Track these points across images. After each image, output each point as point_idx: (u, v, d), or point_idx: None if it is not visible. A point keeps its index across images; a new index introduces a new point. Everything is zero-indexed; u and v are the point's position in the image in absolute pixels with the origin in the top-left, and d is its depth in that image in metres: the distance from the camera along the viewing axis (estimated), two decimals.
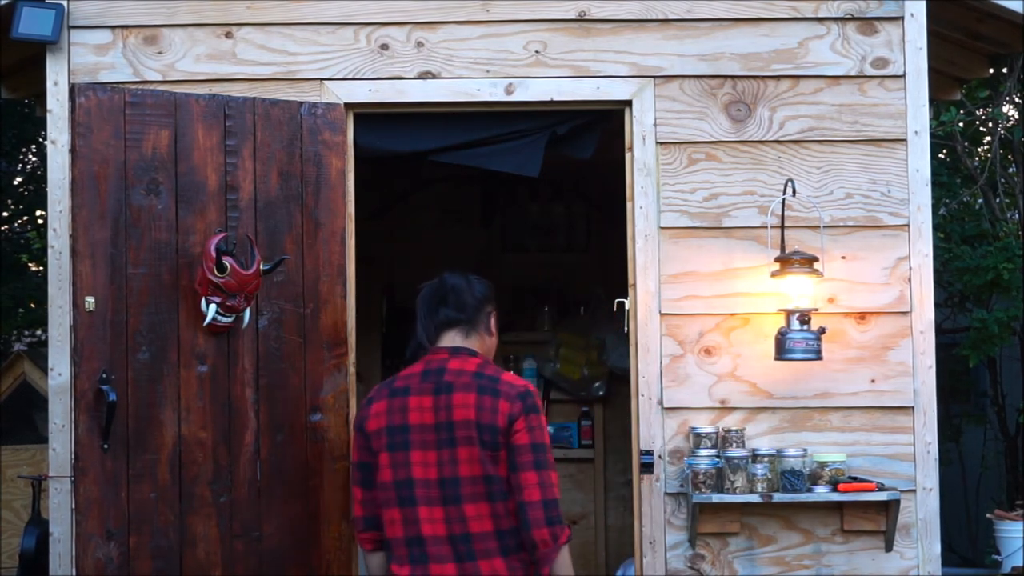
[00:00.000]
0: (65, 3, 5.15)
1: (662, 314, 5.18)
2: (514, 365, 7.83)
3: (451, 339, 4.22)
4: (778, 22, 5.26)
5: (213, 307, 4.72)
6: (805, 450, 5.06)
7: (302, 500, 4.92)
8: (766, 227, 5.15)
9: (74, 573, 4.74)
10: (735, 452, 5.00)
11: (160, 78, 5.18)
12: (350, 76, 5.22)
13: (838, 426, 5.16)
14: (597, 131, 5.45)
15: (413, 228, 8.00)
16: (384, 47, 5.24)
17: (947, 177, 9.76)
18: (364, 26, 5.24)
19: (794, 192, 5.13)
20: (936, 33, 5.55)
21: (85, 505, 4.62)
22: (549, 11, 5.24)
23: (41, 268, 11.76)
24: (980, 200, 9.86)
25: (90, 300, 4.66)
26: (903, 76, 5.24)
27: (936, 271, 6.80)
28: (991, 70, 8.06)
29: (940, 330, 6.92)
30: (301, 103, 5.05)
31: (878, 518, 5.09)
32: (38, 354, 8.50)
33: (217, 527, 4.78)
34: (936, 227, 8.39)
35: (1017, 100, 10.55)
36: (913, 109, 5.23)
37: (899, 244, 5.20)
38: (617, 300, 5.26)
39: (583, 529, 7.79)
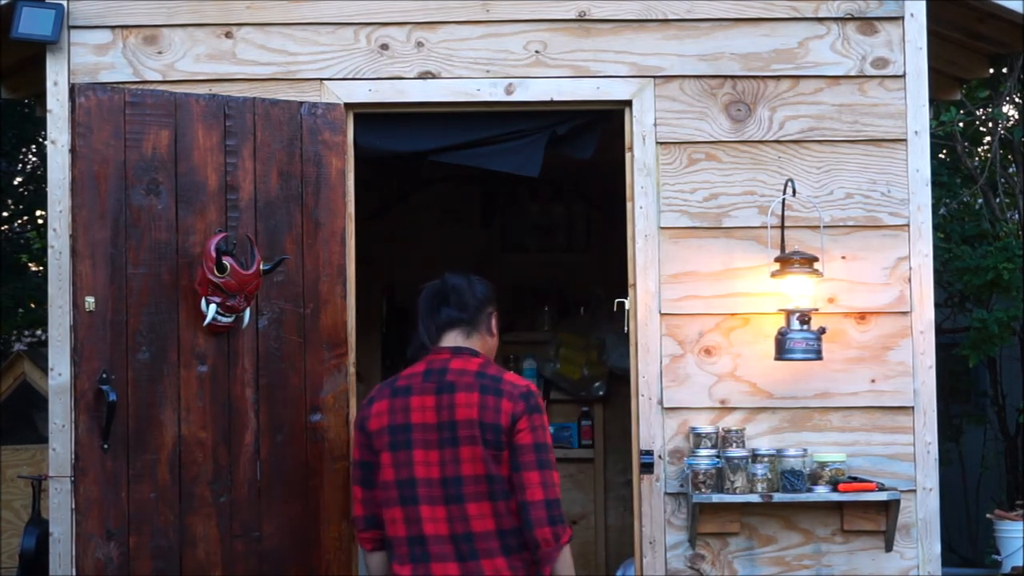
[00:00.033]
0: (65, 3, 5.15)
1: (662, 314, 5.18)
2: (514, 365, 7.83)
3: (453, 339, 4.23)
4: (778, 22, 5.26)
5: (213, 307, 4.72)
6: (805, 450, 5.06)
7: (302, 500, 4.92)
8: (766, 227, 5.15)
9: (74, 573, 4.74)
10: (735, 452, 5.00)
11: (160, 78, 5.18)
12: (350, 76, 5.22)
13: (838, 426, 5.16)
14: (597, 131, 5.45)
15: (413, 228, 8.00)
16: (384, 47, 5.24)
17: (947, 177, 9.76)
18: (364, 26, 5.24)
19: (794, 192, 5.13)
20: (936, 33, 5.55)
21: (85, 505, 4.62)
22: (549, 11, 5.24)
23: (41, 268, 11.76)
24: (980, 200, 9.86)
25: (90, 300, 4.66)
26: (903, 76, 5.24)
27: (936, 271, 6.80)
28: (991, 70, 8.06)
29: (940, 330, 6.92)
30: (301, 103, 5.05)
31: (878, 518, 5.09)
32: (38, 354, 8.50)
33: (217, 527, 4.78)
34: (936, 227, 8.39)
35: (1017, 100, 10.55)
36: (913, 109, 5.23)
37: (899, 244, 5.20)
38: (617, 300, 5.26)
39: (583, 529, 7.79)
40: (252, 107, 4.95)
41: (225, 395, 4.83)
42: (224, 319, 4.76)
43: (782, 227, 5.14)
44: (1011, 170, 9.68)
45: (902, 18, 5.24)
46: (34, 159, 12.50)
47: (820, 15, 5.25)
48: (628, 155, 5.26)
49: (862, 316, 5.19)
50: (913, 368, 5.17)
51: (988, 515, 6.15)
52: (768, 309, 5.13)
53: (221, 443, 4.81)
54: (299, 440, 4.93)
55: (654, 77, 5.24)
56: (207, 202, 4.84)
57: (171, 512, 4.72)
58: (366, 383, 7.01)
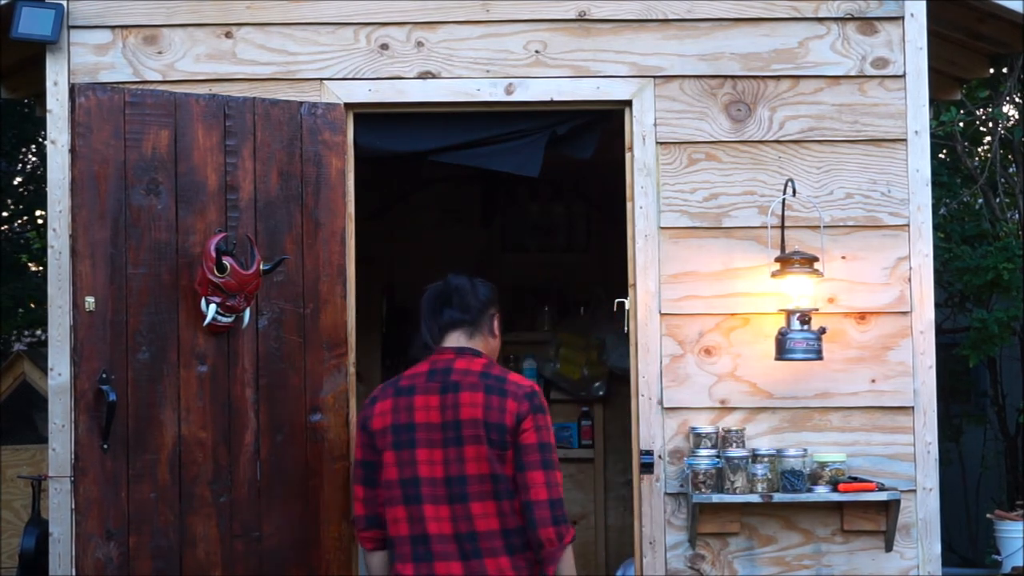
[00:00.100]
0: (65, 3, 5.15)
1: (662, 314, 5.18)
2: (514, 365, 7.83)
3: (455, 340, 4.24)
4: (778, 22, 5.26)
5: (213, 307, 4.72)
6: (805, 450, 5.06)
7: (302, 500, 4.92)
8: (766, 227, 5.15)
9: (74, 573, 4.74)
10: (735, 452, 5.00)
11: (160, 78, 5.18)
12: (350, 76, 5.22)
13: (838, 426, 5.16)
14: (597, 131, 5.45)
15: (413, 228, 8.00)
16: (384, 47, 5.24)
17: (947, 177, 9.75)
18: (364, 26, 5.24)
19: (794, 192, 5.13)
20: (936, 33, 5.55)
21: (85, 505, 4.62)
22: (549, 11, 5.24)
23: (41, 268, 11.76)
24: (980, 200, 9.85)
25: (90, 300, 4.66)
26: (903, 76, 5.24)
27: (936, 271, 6.80)
28: (991, 70, 8.05)
29: (940, 330, 6.92)
30: (301, 103, 5.05)
31: (878, 518, 5.09)
32: (38, 354, 8.50)
33: (217, 527, 4.78)
34: (936, 227, 8.39)
35: (1017, 100, 10.55)
36: (913, 109, 5.23)
37: (899, 244, 5.20)
38: (617, 300, 5.26)
39: (583, 529, 7.79)
40: (252, 107, 4.95)
41: (225, 395, 4.83)
42: (224, 319, 4.76)
43: (782, 227, 5.14)
44: (1011, 170, 9.68)
45: (902, 18, 5.24)
46: (34, 159, 12.50)
47: (820, 15, 5.25)
48: (628, 155, 5.26)
49: (862, 316, 5.19)
50: (913, 368, 5.17)
51: (988, 515, 6.15)
52: (768, 309, 5.13)
53: (221, 443, 4.81)
54: (299, 440, 4.93)
55: (654, 77, 5.24)
56: (207, 202, 4.84)
57: (171, 512, 4.72)
58: (366, 383, 7.01)
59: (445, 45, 5.24)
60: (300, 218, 4.99)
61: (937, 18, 5.45)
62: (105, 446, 4.64)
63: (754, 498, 4.97)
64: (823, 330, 5.02)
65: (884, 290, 5.19)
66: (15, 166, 12.53)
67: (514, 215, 8.19)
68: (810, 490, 5.01)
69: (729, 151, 5.24)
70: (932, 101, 5.97)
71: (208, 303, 4.72)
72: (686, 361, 5.17)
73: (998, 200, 9.46)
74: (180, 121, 4.83)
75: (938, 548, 5.16)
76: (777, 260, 5.07)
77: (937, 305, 7.64)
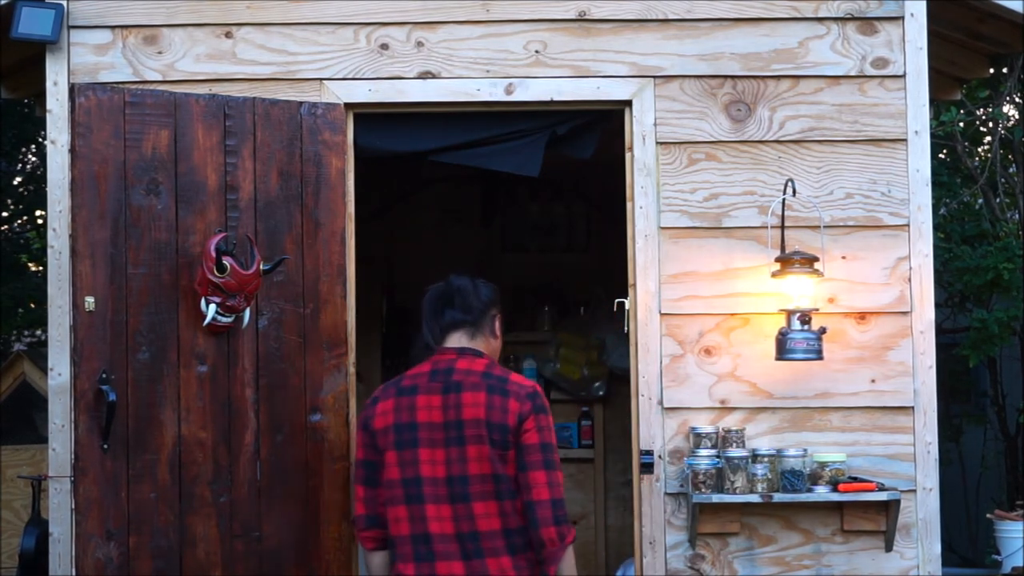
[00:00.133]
0: (65, 3, 5.15)
1: (662, 314, 5.18)
2: (514, 365, 7.83)
3: (457, 340, 4.25)
4: (778, 22, 5.26)
5: (213, 307, 4.72)
6: (805, 450, 5.06)
7: (302, 500, 4.92)
8: (766, 227, 5.15)
9: (74, 573, 4.73)
10: (735, 452, 5.00)
11: (160, 78, 5.18)
12: (350, 76, 5.22)
13: (838, 426, 5.16)
14: (597, 131, 5.45)
15: (413, 228, 8.00)
16: (384, 47, 5.24)
17: (947, 177, 9.75)
18: (364, 26, 5.24)
19: (794, 192, 5.13)
20: (936, 33, 5.55)
21: (85, 505, 4.62)
22: (549, 11, 5.24)
23: (41, 268, 11.75)
24: (980, 200, 9.85)
25: (90, 300, 4.66)
26: (903, 76, 5.24)
27: (936, 271, 6.79)
28: (991, 70, 8.05)
29: (940, 330, 6.92)
30: (301, 103, 5.05)
31: (878, 518, 5.09)
32: (38, 354, 8.50)
33: (217, 527, 4.78)
34: (936, 227, 8.39)
35: (1017, 100, 10.55)
36: (913, 109, 5.23)
37: (899, 244, 5.20)
38: (617, 300, 5.26)
39: (583, 529, 7.79)
40: (252, 107, 4.95)
41: (225, 395, 4.83)
42: (224, 319, 4.76)
43: (782, 227, 5.14)
44: (1011, 170, 9.68)
45: (902, 18, 5.24)
46: (34, 159, 12.50)
47: (820, 15, 5.25)
48: (628, 155, 5.26)
49: (862, 316, 5.19)
50: (913, 368, 5.17)
51: (988, 515, 6.15)
52: (768, 309, 5.13)
53: (221, 443, 4.81)
54: (299, 440, 4.93)
55: (654, 77, 5.24)
56: (207, 202, 4.84)
57: (171, 512, 4.72)
58: (366, 383, 7.01)
59: (445, 45, 5.24)
60: (300, 218, 4.99)
61: (937, 18, 5.45)
62: (105, 446, 4.64)
63: (754, 498, 4.97)
64: (823, 330, 5.02)
65: (884, 290, 5.19)
66: (15, 166, 12.53)
67: (514, 215, 8.19)
68: (810, 490, 5.01)
69: (729, 151, 5.24)
70: (932, 101, 5.97)
71: (208, 303, 4.72)
72: (686, 361, 5.17)
73: (998, 200, 9.46)
74: (180, 121, 4.83)
75: (938, 548, 5.16)
76: (777, 260, 5.07)
77: (937, 305, 7.64)
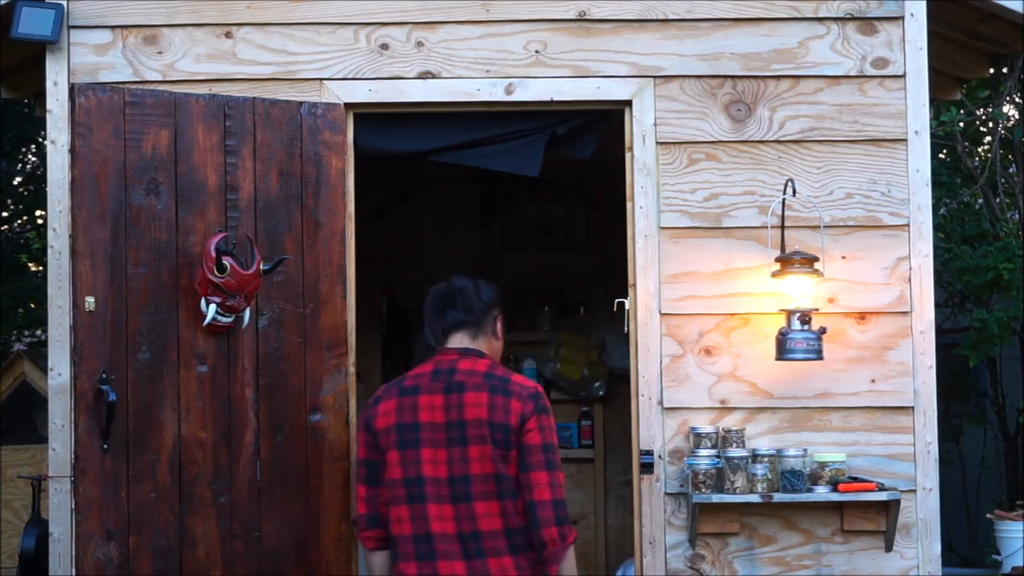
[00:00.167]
0: (65, 3, 5.14)
1: (662, 314, 5.18)
2: (514, 365, 7.83)
3: (459, 341, 4.26)
4: (778, 22, 5.26)
5: (213, 307, 4.72)
6: (805, 450, 5.06)
7: (302, 500, 4.92)
8: (766, 227, 5.15)
9: (74, 573, 4.74)
10: (735, 452, 5.00)
11: (160, 78, 5.18)
12: (350, 76, 5.22)
13: (838, 426, 5.16)
14: (597, 131, 5.45)
15: (413, 228, 8.00)
16: (384, 47, 5.24)
17: (947, 177, 9.75)
18: (364, 26, 5.24)
19: (794, 192, 5.13)
20: (936, 33, 5.55)
21: (85, 505, 4.62)
22: (549, 11, 5.24)
23: (41, 268, 11.75)
24: (980, 200, 9.85)
25: (90, 300, 4.66)
26: (903, 76, 5.24)
27: (936, 271, 6.80)
28: (991, 70, 8.05)
29: (940, 330, 6.92)
30: (301, 103, 5.05)
31: (878, 518, 5.09)
32: (38, 354, 8.50)
33: (217, 527, 4.78)
34: (936, 227, 8.39)
35: (1017, 100, 10.55)
36: (913, 109, 5.23)
37: (899, 244, 5.20)
38: (617, 300, 5.26)
39: (583, 529, 7.79)
40: (252, 107, 4.95)
41: (225, 395, 4.83)
42: (224, 319, 4.76)
43: (782, 227, 5.14)
44: (1011, 170, 9.67)
45: (902, 18, 5.24)
46: (34, 159, 12.50)
47: (820, 15, 5.25)
48: (628, 155, 5.26)
49: (862, 316, 5.19)
50: (913, 368, 5.17)
51: (988, 515, 6.15)
52: (768, 309, 5.13)
53: (221, 443, 4.81)
54: (299, 440, 4.93)
55: (654, 77, 5.24)
56: (207, 202, 4.84)
57: (171, 512, 4.72)
58: (366, 383, 7.01)
59: (445, 45, 5.24)
60: (300, 218, 4.99)
61: (937, 18, 5.45)
62: (105, 446, 4.64)
63: (754, 498, 4.97)
64: (823, 330, 5.02)
65: (884, 290, 5.19)
66: (15, 166, 12.53)
67: (514, 215, 8.19)
68: (810, 490, 5.01)
69: (729, 151, 5.24)
70: (932, 101, 5.97)
71: (208, 303, 4.72)
72: (686, 361, 5.17)
73: (998, 200, 9.45)
74: (180, 121, 4.83)
75: (938, 548, 5.16)
76: (777, 260, 5.07)
77: (937, 305, 7.64)
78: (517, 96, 5.23)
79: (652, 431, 5.15)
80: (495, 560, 4.07)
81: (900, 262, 5.20)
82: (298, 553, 4.90)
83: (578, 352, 7.90)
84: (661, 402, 5.16)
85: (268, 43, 5.23)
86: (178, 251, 4.79)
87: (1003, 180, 9.55)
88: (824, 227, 5.16)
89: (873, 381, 5.16)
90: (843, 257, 5.19)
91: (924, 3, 5.25)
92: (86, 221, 4.68)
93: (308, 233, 5.01)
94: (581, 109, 5.33)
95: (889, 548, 5.12)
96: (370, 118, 5.28)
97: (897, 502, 5.01)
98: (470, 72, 5.23)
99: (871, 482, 5.02)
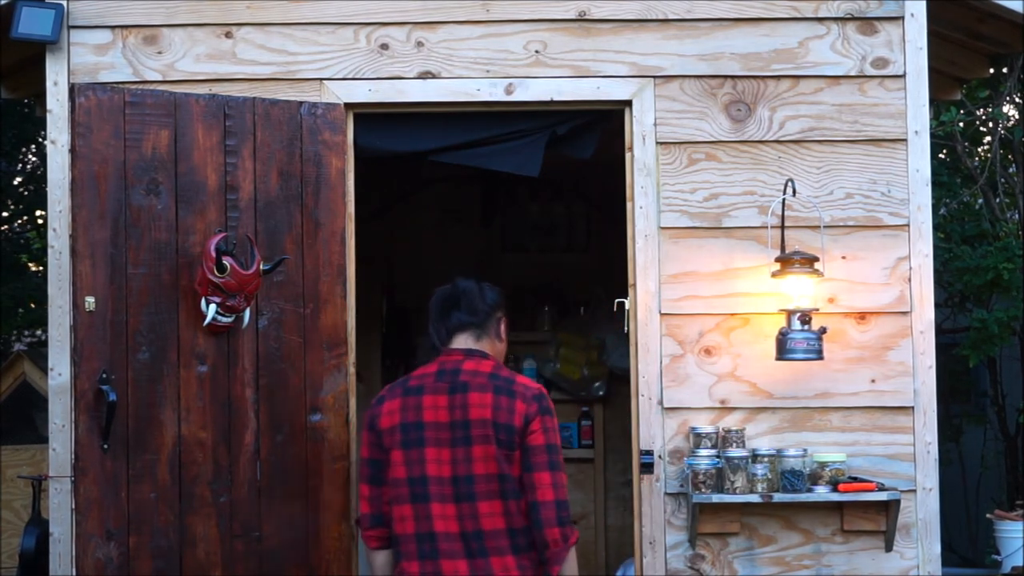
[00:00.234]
0: (65, 3, 5.14)
1: (662, 314, 5.18)
2: (514, 365, 7.83)
3: (463, 342, 4.28)
4: (778, 22, 5.26)
5: (213, 307, 4.72)
6: (805, 450, 5.06)
7: (302, 500, 4.92)
8: (766, 227, 5.15)
9: (74, 573, 4.74)
10: (735, 452, 5.00)
11: (160, 78, 5.18)
12: (350, 76, 5.22)
13: (838, 426, 5.16)
14: (597, 131, 5.45)
15: (413, 228, 8.00)
16: (384, 47, 5.24)
17: (947, 177, 9.75)
18: (364, 26, 5.24)
19: (794, 192, 5.13)
20: (936, 33, 5.55)
21: (85, 505, 4.62)
22: (549, 11, 5.24)
23: (41, 268, 11.75)
24: (980, 200, 9.85)
25: (90, 300, 4.66)
26: (903, 76, 5.24)
27: (936, 271, 6.80)
28: (991, 70, 8.05)
29: (940, 330, 6.92)
30: (301, 103, 5.05)
31: (878, 518, 5.09)
32: (38, 354, 8.50)
33: (217, 527, 4.78)
34: (936, 227, 8.39)
35: (1017, 100, 10.55)
36: (913, 109, 5.23)
37: (899, 244, 5.20)
38: (617, 300, 5.26)
39: (583, 529, 7.79)
40: (252, 107, 4.95)
41: (225, 395, 4.83)
42: (224, 319, 4.76)
43: (782, 227, 5.14)
44: (1011, 170, 9.67)
45: (902, 18, 5.24)
46: (34, 159, 12.50)
47: (820, 15, 5.25)
48: (628, 155, 5.26)
49: (862, 316, 5.19)
50: (913, 368, 5.17)
51: (988, 515, 6.15)
52: (768, 309, 5.13)
53: (221, 443, 4.81)
54: (299, 440, 4.93)
55: (654, 77, 5.24)
56: (207, 202, 4.84)
57: (171, 512, 4.72)
58: (366, 383, 7.01)
59: (445, 45, 5.24)
60: (300, 218, 4.99)
61: (937, 18, 5.45)
62: (105, 446, 4.64)
63: (754, 498, 4.97)
64: (823, 330, 5.02)
65: (884, 290, 5.19)
66: (15, 166, 12.52)
67: (514, 215, 8.19)
68: (810, 490, 5.01)
69: (729, 151, 5.24)
70: (932, 101, 5.97)
71: (208, 303, 4.72)
72: (686, 361, 5.17)
73: (998, 200, 9.45)
74: (180, 121, 4.83)
75: (938, 548, 5.16)
76: (777, 260, 5.07)
77: (937, 305, 7.64)
78: (517, 96, 5.23)
79: (652, 431, 5.15)
80: (498, 559, 4.09)
81: (900, 262, 5.20)
82: (298, 553, 4.90)
83: (578, 352, 7.90)
84: (661, 402, 5.16)
85: (268, 43, 5.23)
86: (178, 251, 4.79)
87: (1003, 180, 9.55)
88: (824, 227, 5.16)
89: (873, 381, 5.16)
90: (843, 257, 5.19)
91: (924, 3, 5.25)
92: (86, 221, 4.68)
93: (308, 233, 5.01)
94: (581, 109, 5.33)
95: (889, 548, 5.12)
96: (370, 118, 5.28)
97: (897, 502, 5.01)
98: (470, 72, 5.24)
99: (871, 482, 5.02)
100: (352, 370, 5.12)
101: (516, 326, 7.79)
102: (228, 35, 5.22)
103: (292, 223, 4.98)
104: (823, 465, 5.04)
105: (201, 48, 5.22)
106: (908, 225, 5.21)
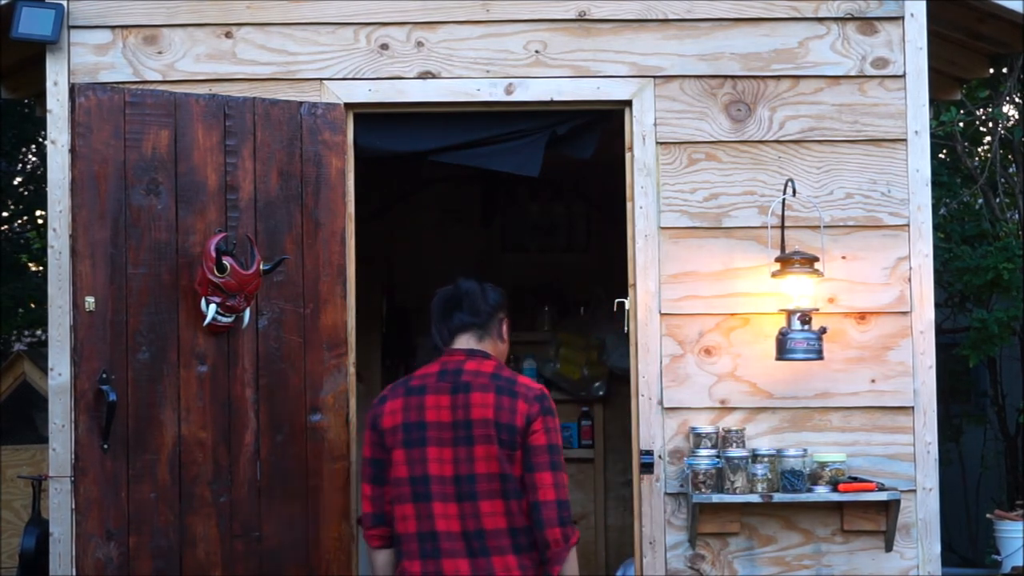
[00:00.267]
0: (65, 3, 5.15)
1: (662, 314, 5.18)
2: (514, 365, 7.82)
3: (465, 342, 4.28)
4: (778, 22, 5.26)
5: (213, 307, 4.72)
6: (805, 450, 5.06)
7: (302, 500, 4.92)
8: (766, 227, 5.15)
9: (74, 573, 4.74)
10: (735, 452, 5.00)
11: (160, 78, 5.18)
12: (350, 76, 5.22)
13: (838, 426, 5.16)
14: (597, 131, 5.45)
15: (413, 228, 8.00)
16: (384, 47, 5.24)
17: (947, 177, 9.75)
18: (364, 26, 5.24)
19: (794, 192, 5.13)
20: (936, 33, 5.55)
21: (85, 505, 4.62)
22: (549, 11, 5.24)
23: (41, 268, 11.75)
24: (980, 200, 9.85)
25: (90, 300, 4.66)
26: (903, 76, 5.24)
27: (936, 271, 6.79)
28: (991, 70, 8.05)
29: (940, 330, 6.92)
30: (301, 103, 5.05)
31: (878, 518, 5.09)
32: (38, 354, 8.50)
33: (217, 527, 4.78)
34: (936, 227, 8.39)
35: (1017, 100, 10.55)
36: (913, 109, 5.23)
37: (899, 244, 5.20)
38: (617, 300, 5.27)
39: (583, 529, 7.79)
40: (252, 107, 4.95)
41: (225, 395, 4.83)
42: (224, 319, 4.76)
43: (782, 227, 5.14)
44: (1011, 170, 9.67)
45: (902, 18, 5.24)
46: (34, 159, 12.50)
47: (820, 15, 5.25)
48: (628, 155, 5.26)
49: (862, 316, 5.19)
50: (913, 368, 5.17)
51: (988, 515, 6.15)
52: (768, 309, 5.13)
53: (221, 443, 4.81)
54: (299, 440, 4.93)
55: (654, 77, 5.24)
56: (207, 202, 4.85)
57: (171, 512, 4.72)
58: (366, 383, 7.01)
59: (445, 45, 5.24)
60: (300, 218, 4.99)
61: (937, 18, 5.45)
62: (105, 446, 4.64)
63: (754, 498, 4.97)
64: (823, 330, 5.02)
65: (884, 290, 5.19)
66: (15, 166, 12.52)
67: (514, 215, 8.19)
68: (810, 490, 5.01)
69: (729, 151, 5.24)
70: (932, 101, 5.97)
71: (208, 303, 4.72)
72: (686, 361, 5.17)
73: (998, 200, 9.45)
74: (180, 121, 4.83)
75: (938, 548, 5.16)
76: (777, 260, 5.07)
77: (937, 305, 7.64)
78: (517, 96, 5.23)
79: (652, 431, 5.15)
80: (499, 559, 4.10)
81: (900, 262, 5.20)
82: (298, 553, 4.90)
83: (578, 352, 7.90)
84: (661, 402, 5.16)
85: (268, 43, 5.23)
86: (178, 251, 4.79)
87: (1003, 180, 9.55)
88: (824, 227, 5.16)
89: (873, 381, 5.16)
90: (843, 257, 5.19)
91: (924, 3, 5.25)
92: (86, 221, 4.68)
93: (308, 233, 5.01)
94: (581, 109, 5.33)
95: (889, 548, 5.12)
96: (370, 118, 5.28)
97: (897, 502, 5.01)
98: (470, 72, 5.24)
99: (871, 482, 5.02)
100: (352, 370, 5.12)
101: (516, 326, 7.74)
102: (228, 35, 5.23)
103: (292, 223, 4.98)
104: (823, 465, 5.04)
105: (201, 48, 5.22)
106: (908, 225, 5.21)
